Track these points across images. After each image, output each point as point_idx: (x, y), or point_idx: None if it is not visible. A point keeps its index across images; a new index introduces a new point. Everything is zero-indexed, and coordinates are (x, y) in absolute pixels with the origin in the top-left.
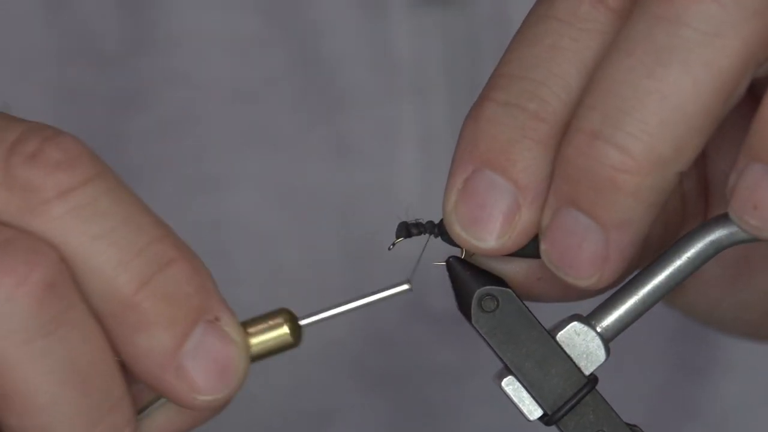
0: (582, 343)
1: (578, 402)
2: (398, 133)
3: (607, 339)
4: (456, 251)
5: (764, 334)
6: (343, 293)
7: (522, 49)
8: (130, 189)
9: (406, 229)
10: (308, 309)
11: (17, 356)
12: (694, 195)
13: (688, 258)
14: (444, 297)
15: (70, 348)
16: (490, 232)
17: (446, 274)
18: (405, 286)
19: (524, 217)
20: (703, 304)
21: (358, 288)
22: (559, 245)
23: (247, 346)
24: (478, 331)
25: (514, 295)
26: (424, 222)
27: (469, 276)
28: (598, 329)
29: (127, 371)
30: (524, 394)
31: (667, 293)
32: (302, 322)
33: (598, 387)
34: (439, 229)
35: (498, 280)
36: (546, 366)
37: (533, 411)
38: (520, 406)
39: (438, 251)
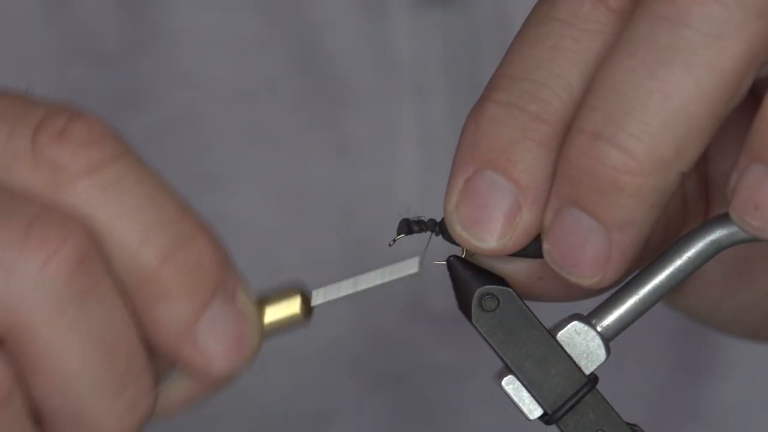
0: (582, 343)
1: (578, 401)
2: (398, 133)
3: (607, 338)
4: (457, 250)
5: (765, 335)
6: None
7: (523, 50)
8: (152, 168)
9: (408, 226)
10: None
11: (47, 325)
12: (695, 195)
13: (689, 258)
14: (444, 297)
15: (99, 319)
16: (491, 233)
17: (446, 273)
18: (414, 269)
19: (525, 218)
20: (704, 305)
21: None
22: (561, 245)
23: (260, 321)
24: (478, 331)
25: (515, 294)
26: (425, 220)
27: (469, 275)
28: (599, 329)
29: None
30: (524, 393)
31: (668, 293)
32: (314, 303)
33: (598, 386)
34: (440, 228)
35: (498, 280)
36: (546, 365)
37: (533, 410)
38: (521, 405)
39: (439, 251)
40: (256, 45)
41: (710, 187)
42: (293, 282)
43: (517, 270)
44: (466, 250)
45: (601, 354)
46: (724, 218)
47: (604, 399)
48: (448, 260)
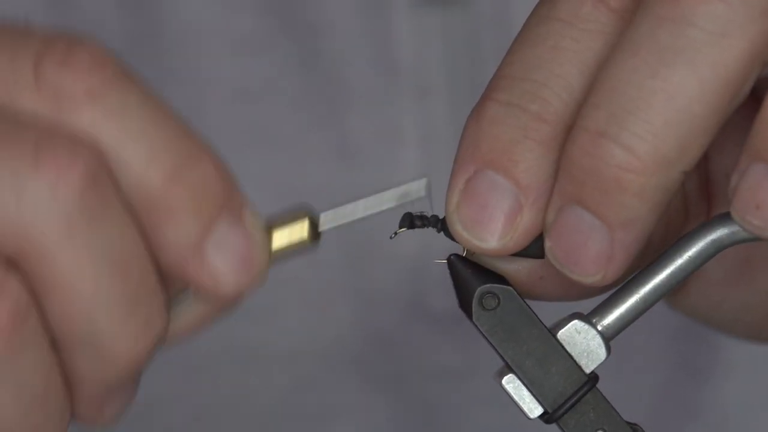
0: (583, 342)
1: (579, 400)
2: (399, 133)
3: (607, 337)
4: (457, 248)
5: (766, 336)
6: (343, 293)
7: (524, 50)
8: (154, 92)
9: (410, 220)
10: (308, 309)
11: (60, 243)
12: (697, 195)
13: (689, 257)
14: (444, 297)
15: (110, 238)
16: (491, 233)
17: (446, 273)
18: (422, 192)
19: (526, 218)
20: (705, 305)
21: (358, 288)
22: (564, 243)
23: (268, 242)
24: (479, 329)
25: (515, 293)
26: (428, 215)
27: (470, 274)
28: (599, 327)
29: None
30: (525, 392)
31: (668, 292)
32: (321, 228)
33: (598, 385)
34: (442, 225)
35: (499, 278)
36: (547, 364)
37: (534, 409)
38: (521, 404)
39: (439, 250)
40: (257, 44)
41: (711, 187)
42: (301, 205)
43: (518, 269)
44: (466, 249)
45: (601, 353)
46: (725, 218)
47: (605, 398)
48: (448, 259)
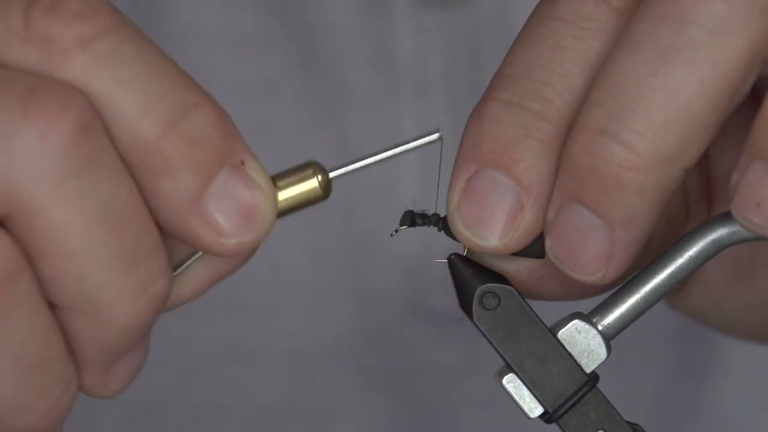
0: (583, 341)
1: (579, 400)
2: (399, 132)
3: (608, 337)
4: (458, 247)
5: (766, 337)
6: (343, 293)
7: (525, 49)
8: (150, 39)
9: (411, 218)
10: (308, 309)
11: (51, 198)
12: (697, 195)
13: (690, 257)
14: (444, 296)
15: (103, 191)
16: (493, 232)
17: (447, 273)
18: (435, 135)
19: (527, 217)
20: (705, 306)
21: (358, 288)
22: (564, 241)
23: (274, 192)
24: (479, 329)
25: (516, 292)
26: (429, 214)
27: (470, 273)
28: (600, 327)
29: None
30: (525, 391)
31: (669, 292)
32: (332, 174)
33: (599, 385)
34: (443, 223)
35: (499, 278)
36: (547, 364)
37: (534, 409)
38: (521, 403)
39: (439, 250)
40: (257, 44)
41: (712, 186)
42: (309, 159)
43: (518, 269)
44: (467, 248)
45: (601, 353)
46: (725, 217)
47: (605, 398)
48: (449, 258)
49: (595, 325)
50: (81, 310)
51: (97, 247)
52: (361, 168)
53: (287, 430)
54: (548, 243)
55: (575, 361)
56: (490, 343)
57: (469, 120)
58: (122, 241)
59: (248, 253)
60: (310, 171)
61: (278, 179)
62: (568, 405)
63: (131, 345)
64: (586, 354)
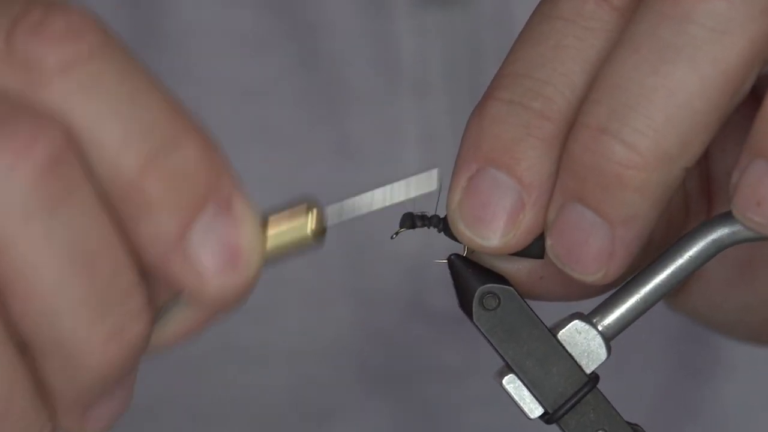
0: (583, 342)
1: (579, 401)
2: (399, 132)
3: (608, 337)
4: (459, 247)
5: (766, 339)
6: (343, 293)
7: (526, 48)
8: (138, 63)
9: (411, 220)
10: (308, 309)
11: (18, 235)
12: (697, 194)
13: (690, 256)
14: (444, 296)
15: (74, 229)
16: (494, 231)
17: (447, 273)
18: (433, 186)
19: (529, 216)
20: (705, 306)
21: (358, 288)
22: (565, 241)
23: (262, 236)
24: (479, 329)
25: (516, 293)
26: (429, 215)
27: (470, 274)
28: (600, 328)
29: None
30: (525, 392)
31: (669, 292)
32: (327, 223)
33: (599, 386)
34: (443, 224)
35: (499, 278)
36: (547, 364)
37: (534, 409)
38: (521, 404)
39: (439, 250)
40: (258, 43)
41: (712, 186)
42: (304, 196)
43: (518, 269)
44: (467, 249)
45: (602, 353)
46: (726, 217)
47: (605, 398)
48: (449, 258)
49: (595, 326)
50: (51, 352)
51: (67, 288)
52: (361, 215)
53: (287, 429)
54: (549, 242)
55: (575, 361)
56: (490, 343)
57: (470, 119)
58: (94, 282)
59: (233, 299)
60: (304, 215)
61: (268, 220)
62: (568, 405)
63: (107, 389)
64: (586, 354)
